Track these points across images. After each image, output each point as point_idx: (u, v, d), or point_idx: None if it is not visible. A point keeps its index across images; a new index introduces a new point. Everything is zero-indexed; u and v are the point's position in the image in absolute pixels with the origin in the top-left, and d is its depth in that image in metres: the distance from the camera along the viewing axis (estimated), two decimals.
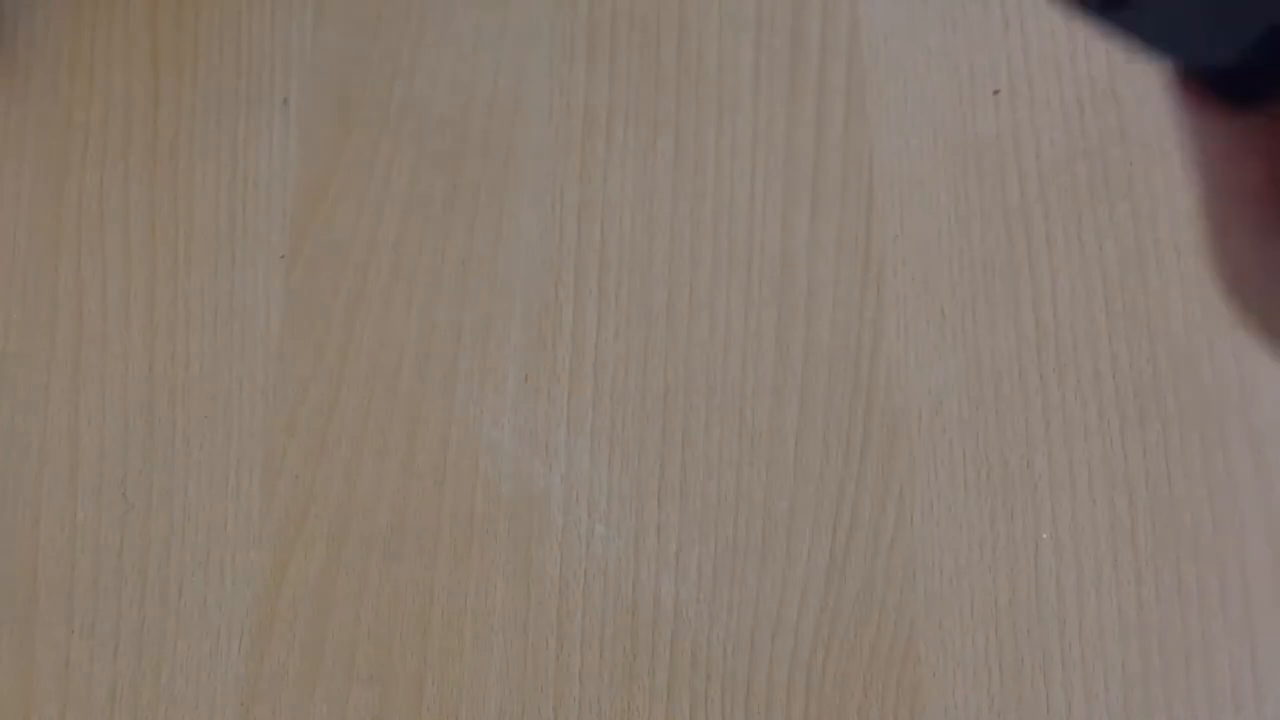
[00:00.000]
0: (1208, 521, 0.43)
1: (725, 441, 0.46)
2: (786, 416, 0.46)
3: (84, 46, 0.51)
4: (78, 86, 0.51)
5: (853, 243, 0.47)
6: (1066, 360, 0.45)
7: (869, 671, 0.43)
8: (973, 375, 0.46)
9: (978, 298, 0.46)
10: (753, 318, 0.47)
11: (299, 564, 0.46)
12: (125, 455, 0.47)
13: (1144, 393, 0.44)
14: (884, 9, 0.50)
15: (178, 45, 0.52)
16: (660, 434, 0.46)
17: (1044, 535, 0.44)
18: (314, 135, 0.50)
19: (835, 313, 0.46)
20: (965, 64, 0.49)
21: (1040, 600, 0.43)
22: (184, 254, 0.49)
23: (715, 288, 0.47)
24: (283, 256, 0.49)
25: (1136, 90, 0.47)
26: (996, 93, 0.48)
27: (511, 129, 0.50)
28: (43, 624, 0.46)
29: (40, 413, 0.48)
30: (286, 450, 0.46)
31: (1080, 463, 0.44)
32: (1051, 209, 0.46)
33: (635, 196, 0.48)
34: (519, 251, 0.48)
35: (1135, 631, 0.43)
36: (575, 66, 0.50)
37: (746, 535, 0.45)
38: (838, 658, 0.43)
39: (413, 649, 0.45)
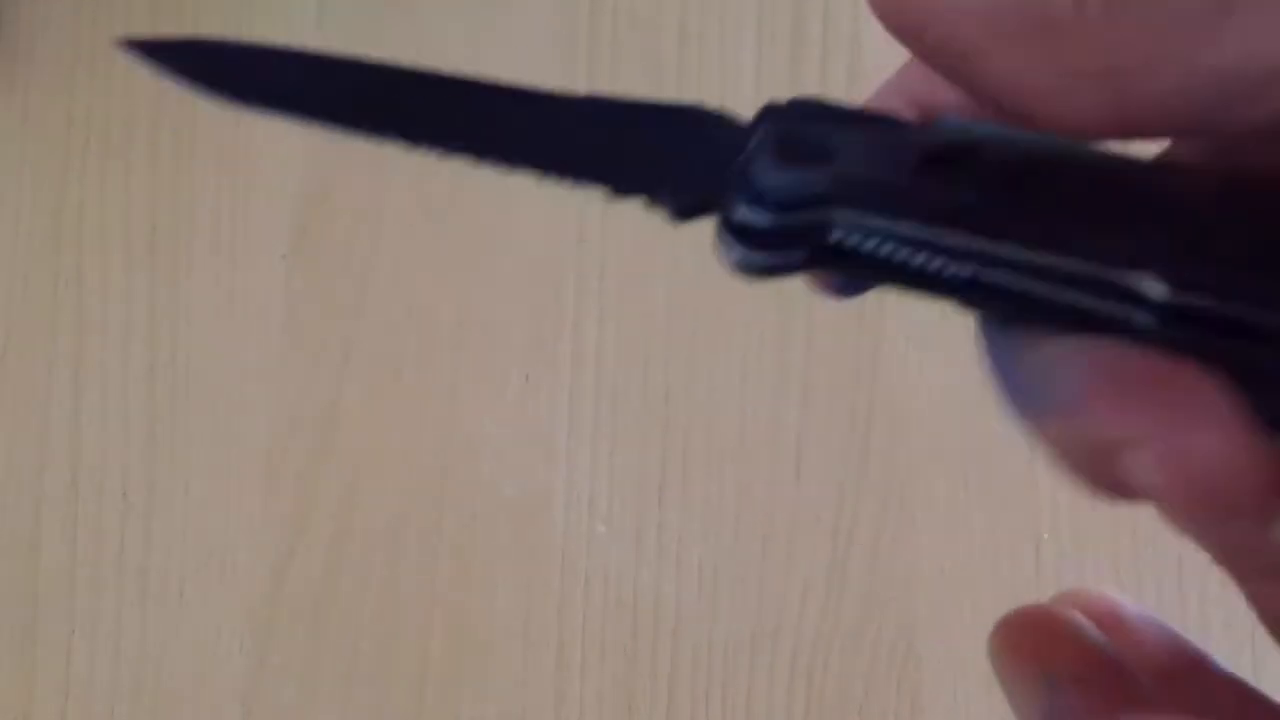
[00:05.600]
0: None
1: (725, 441, 0.46)
2: (787, 416, 0.46)
3: (84, 46, 0.51)
4: (78, 86, 0.51)
5: None
6: None
7: (869, 672, 0.43)
8: (973, 375, 0.46)
9: None
10: (753, 317, 0.47)
11: (299, 564, 0.46)
12: (125, 455, 0.47)
13: None
14: None
15: None
16: (661, 434, 0.46)
17: (1044, 535, 0.44)
18: (314, 135, 0.50)
19: (836, 312, 0.46)
20: None
21: (1040, 600, 0.43)
22: (184, 254, 0.49)
23: (716, 287, 0.47)
24: (283, 256, 0.49)
25: None
26: None
27: None
28: (43, 624, 0.46)
29: (40, 413, 0.48)
30: (287, 450, 0.46)
31: None
32: None
33: None
34: (519, 251, 0.48)
35: None
36: (575, 66, 0.50)
37: (747, 535, 0.45)
38: (838, 658, 0.43)
39: (413, 649, 0.45)
